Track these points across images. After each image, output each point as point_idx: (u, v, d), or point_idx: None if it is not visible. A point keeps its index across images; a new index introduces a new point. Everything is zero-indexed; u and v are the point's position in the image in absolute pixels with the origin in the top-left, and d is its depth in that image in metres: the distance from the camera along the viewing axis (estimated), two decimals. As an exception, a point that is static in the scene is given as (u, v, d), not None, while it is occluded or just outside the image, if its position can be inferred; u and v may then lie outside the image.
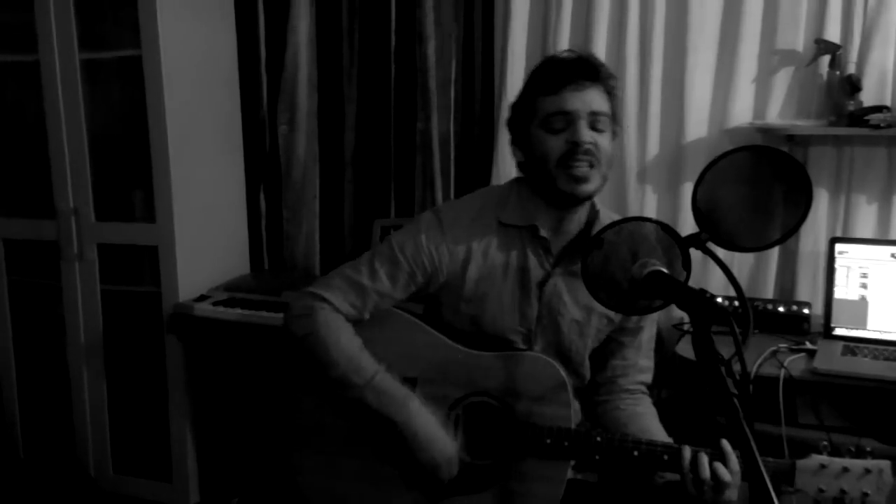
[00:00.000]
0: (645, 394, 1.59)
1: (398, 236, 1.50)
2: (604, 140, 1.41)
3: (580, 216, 1.49)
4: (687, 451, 1.30)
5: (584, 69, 1.41)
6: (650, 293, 1.11)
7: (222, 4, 2.73)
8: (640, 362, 1.58)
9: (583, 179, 1.39)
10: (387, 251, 1.49)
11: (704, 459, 1.28)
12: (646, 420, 1.52)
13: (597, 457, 1.37)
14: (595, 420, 1.58)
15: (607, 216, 1.51)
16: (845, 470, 1.27)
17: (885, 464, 1.27)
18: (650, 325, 1.59)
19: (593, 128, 1.39)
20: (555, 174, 1.40)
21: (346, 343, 1.44)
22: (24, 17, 2.51)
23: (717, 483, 1.26)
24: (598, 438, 1.37)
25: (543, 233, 1.47)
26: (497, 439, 1.43)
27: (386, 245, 1.50)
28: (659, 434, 1.47)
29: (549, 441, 1.38)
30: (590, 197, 1.45)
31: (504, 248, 1.49)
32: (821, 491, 1.27)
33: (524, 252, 1.48)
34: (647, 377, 1.60)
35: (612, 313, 1.50)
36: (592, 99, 1.39)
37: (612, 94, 1.44)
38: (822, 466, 1.28)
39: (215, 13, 2.69)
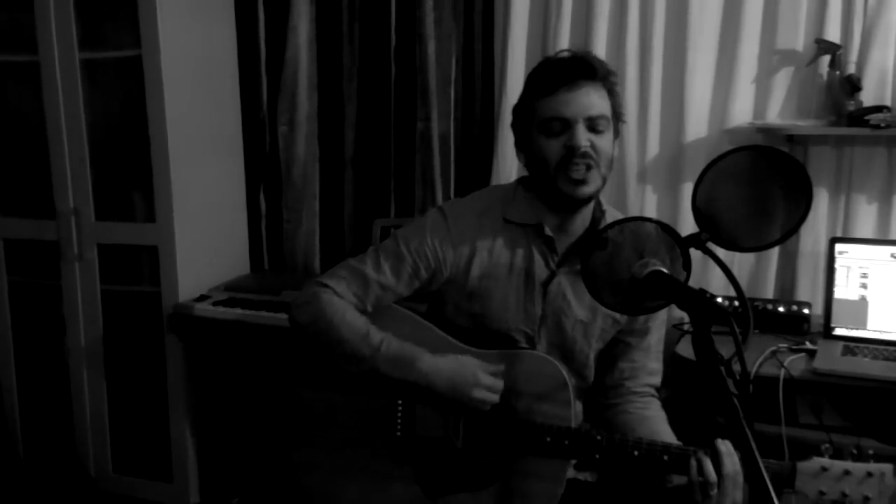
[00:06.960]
0: (654, 396, 1.58)
1: (403, 231, 1.52)
2: (603, 141, 1.40)
3: (585, 216, 1.49)
4: (693, 460, 1.29)
5: (579, 68, 1.39)
6: (650, 293, 1.11)
7: (222, 4, 2.73)
8: (648, 364, 1.57)
9: (581, 182, 1.40)
10: (392, 246, 1.50)
11: (709, 465, 1.28)
12: (654, 423, 1.51)
13: (597, 456, 1.36)
14: (602, 424, 1.57)
15: (613, 216, 1.51)
16: (847, 473, 1.26)
17: (888, 467, 1.26)
18: (658, 328, 1.57)
19: (592, 129, 1.39)
20: (554, 177, 1.41)
21: (350, 319, 1.45)
22: (24, 17, 2.50)
23: (705, 483, 1.26)
24: (599, 437, 1.36)
25: (548, 231, 1.47)
26: (498, 437, 1.43)
27: (391, 240, 1.52)
28: (667, 438, 1.45)
29: (549, 439, 1.38)
30: (590, 198, 1.44)
31: (509, 246, 1.49)
32: (821, 494, 1.26)
33: (529, 251, 1.49)
34: (656, 379, 1.59)
35: (616, 314, 1.49)
36: (589, 102, 1.38)
37: (611, 91, 1.42)
38: (824, 469, 1.26)
39: (215, 13, 2.69)
